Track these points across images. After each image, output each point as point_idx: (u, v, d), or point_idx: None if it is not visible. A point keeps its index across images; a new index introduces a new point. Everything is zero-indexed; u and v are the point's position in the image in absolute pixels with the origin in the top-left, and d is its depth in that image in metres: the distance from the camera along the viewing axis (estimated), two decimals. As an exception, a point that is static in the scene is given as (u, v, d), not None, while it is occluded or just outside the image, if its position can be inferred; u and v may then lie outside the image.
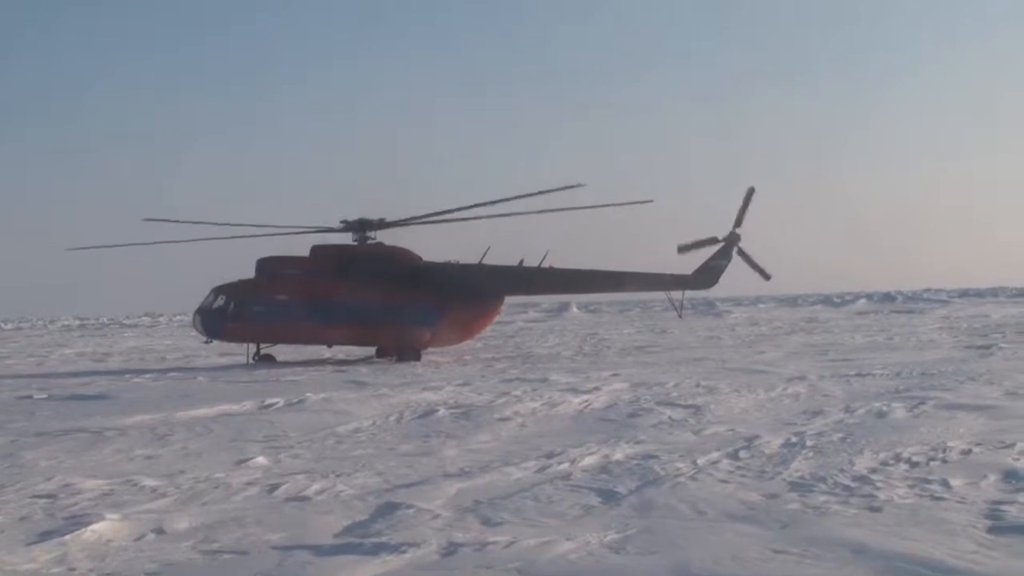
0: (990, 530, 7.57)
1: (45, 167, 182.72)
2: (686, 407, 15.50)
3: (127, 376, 25.23)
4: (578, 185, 28.01)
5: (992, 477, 9.49)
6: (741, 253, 31.69)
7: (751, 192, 31.58)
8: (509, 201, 29.04)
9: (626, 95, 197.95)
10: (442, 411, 15.53)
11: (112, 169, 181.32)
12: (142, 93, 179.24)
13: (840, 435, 12.31)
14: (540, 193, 28.89)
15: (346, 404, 16.64)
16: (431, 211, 30.27)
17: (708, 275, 31.87)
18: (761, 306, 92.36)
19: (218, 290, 30.33)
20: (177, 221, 30.65)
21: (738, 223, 31.63)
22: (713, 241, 31.62)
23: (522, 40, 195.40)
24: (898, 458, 10.56)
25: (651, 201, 30.87)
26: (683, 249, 31.47)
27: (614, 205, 29.99)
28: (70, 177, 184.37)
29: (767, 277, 32.16)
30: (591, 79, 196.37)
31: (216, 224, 29.99)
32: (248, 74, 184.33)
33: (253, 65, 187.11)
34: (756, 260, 31.81)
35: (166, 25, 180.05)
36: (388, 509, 8.61)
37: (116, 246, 33.42)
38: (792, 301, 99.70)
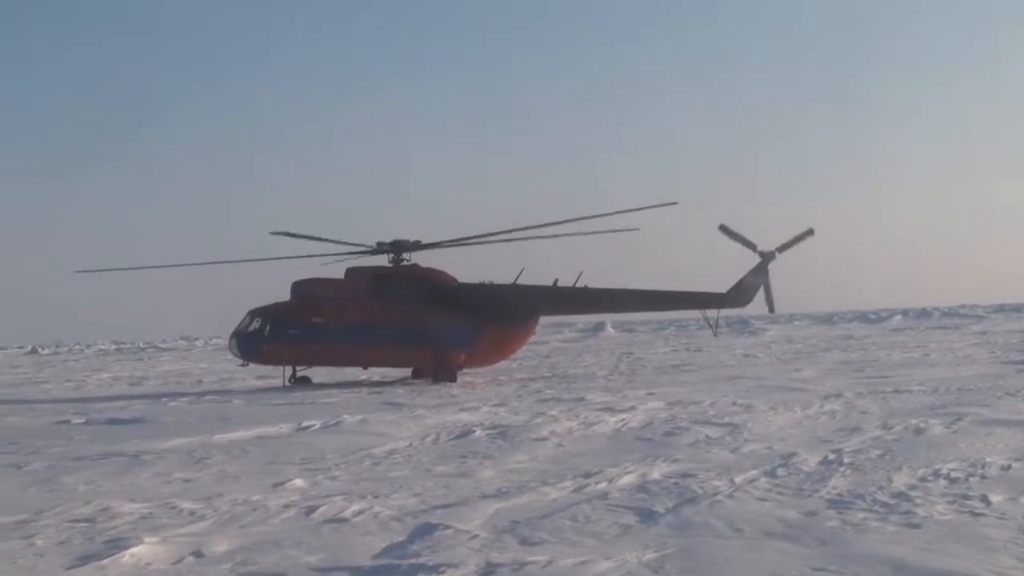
0: (1032, 546, 7.50)
1: (79, 189, 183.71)
2: (723, 425, 15.44)
3: (164, 400, 25.39)
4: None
5: (1033, 493, 9.40)
6: (782, 248, 31.63)
7: (722, 228, 31.79)
8: (542, 227, 29.24)
9: (661, 112, 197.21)
10: (478, 432, 15.53)
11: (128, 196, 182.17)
12: (179, 114, 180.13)
13: (878, 452, 12.24)
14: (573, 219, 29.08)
15: (383, 425, 16.68)
16: (465, 235, 30.45)
17: (743, 293, 31.78)
18: (796, 323, 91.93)
19: (254, 313, 30.48)
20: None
21: (752, 246, 31.65)
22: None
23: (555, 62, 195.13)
24: (937, 474, 10.48)
25: (675, 203, 31.16)
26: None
27: (638, 209, 30.03)
28: (103, 200, 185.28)
29: (811, 232, 31.95)
30: (627, 95, 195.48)
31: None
32: (289, 94, 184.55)
33: (292, 84, 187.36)
34: (792, 239, 31.82)
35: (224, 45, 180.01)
36: (426, 530, 8.62)
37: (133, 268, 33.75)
38: (828, 318, 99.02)
